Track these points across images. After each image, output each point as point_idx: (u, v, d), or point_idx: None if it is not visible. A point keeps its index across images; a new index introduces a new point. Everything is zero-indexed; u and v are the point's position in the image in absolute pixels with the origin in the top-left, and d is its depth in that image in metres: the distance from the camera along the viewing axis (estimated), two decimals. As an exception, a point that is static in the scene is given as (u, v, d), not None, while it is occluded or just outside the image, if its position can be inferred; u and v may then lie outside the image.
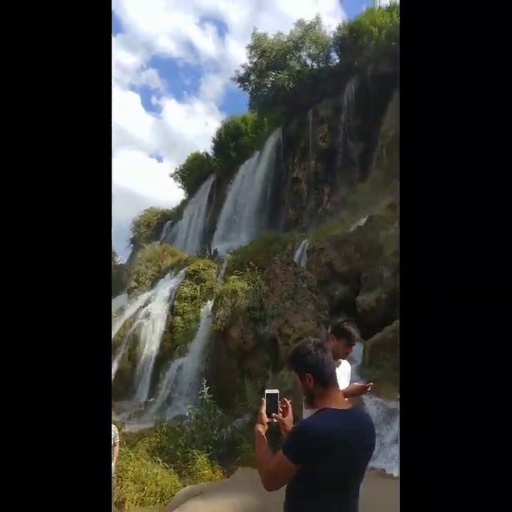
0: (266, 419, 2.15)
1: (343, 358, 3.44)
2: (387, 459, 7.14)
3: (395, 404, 8.26)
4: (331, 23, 28.71)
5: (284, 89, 24.46)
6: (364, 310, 12.70)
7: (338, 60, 25.39)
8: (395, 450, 7.39)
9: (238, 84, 27.35)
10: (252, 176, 25.26)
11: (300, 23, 26.08)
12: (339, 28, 24.85)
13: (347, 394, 3.09)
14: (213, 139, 30.69)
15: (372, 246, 13.56)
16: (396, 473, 6.29)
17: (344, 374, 3.40)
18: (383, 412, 8.22)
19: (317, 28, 25.96)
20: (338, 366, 3.36)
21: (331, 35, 25.43)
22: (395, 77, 20.66)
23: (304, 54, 26.02)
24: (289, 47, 25.79)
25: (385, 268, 12.91)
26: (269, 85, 25.80)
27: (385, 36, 22.10)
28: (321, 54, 25.55)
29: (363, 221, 15.09)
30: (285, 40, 26.22)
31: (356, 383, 3.27)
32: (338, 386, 2.05)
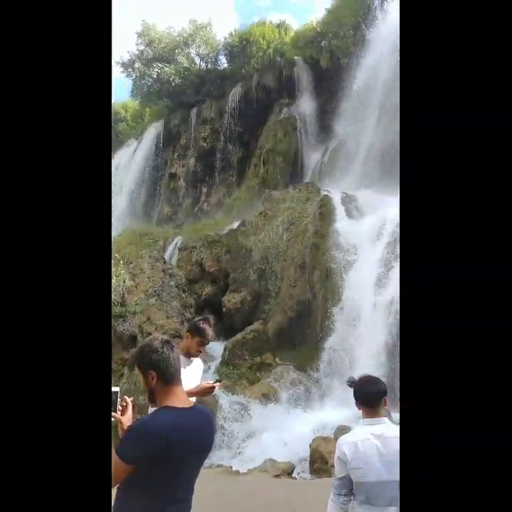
0: None
1: (196, 356, 3.41)
2: (234, 455, 7.36)
3: (247, 402, 8.60)
4: (223, 28, 29.14)
5: (169, 83, 24.01)
6: (229, 310, 13.03)
7: (226, 65, 25.80)
8: (246, 447, 7.68)
9: (121, 69, 26.10)
10: (127, 165, 24.24)
11: (192, 21, 25.93)
12: (230, 34, 25.28)
13: (194, 393, 3.04)
14: (89, 121, 28.74)
15: (241, 249, 14.00)
16: (242, 470, 6.51)
17: (195, 372, 3.37)
18: (237, 409, 8.48)
19: (209, 29, 26.05)
20: (189, 364, 3.32)
21: (222, 39, 25.79)
22: (278, 91, 21.72)
23: (193, 52, 25.89)
24: (179, 42, 25.42)
25: (251, 271, 13.43)
26: (154, 76, 25.08)
27: (272, 50, 23.13)
28: (210, 55, 25.67)
29: (236, 224, 15.51)
30: (175, 34, 25.80)
31: (205, 382, 3.26)
32: (181, 384, 2.03)
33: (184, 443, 1.85)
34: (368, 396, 2.38)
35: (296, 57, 21.61)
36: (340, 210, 12.51)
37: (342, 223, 11.98)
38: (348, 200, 13.12)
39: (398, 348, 8.64)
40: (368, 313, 9.64)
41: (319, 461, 6.50)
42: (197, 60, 25.87)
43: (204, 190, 23.01)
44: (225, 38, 25.41)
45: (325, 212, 12.41)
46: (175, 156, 24.14)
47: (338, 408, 7.97)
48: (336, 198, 13.04)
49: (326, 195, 13.11)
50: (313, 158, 19.31)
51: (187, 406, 1.98)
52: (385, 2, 17.46)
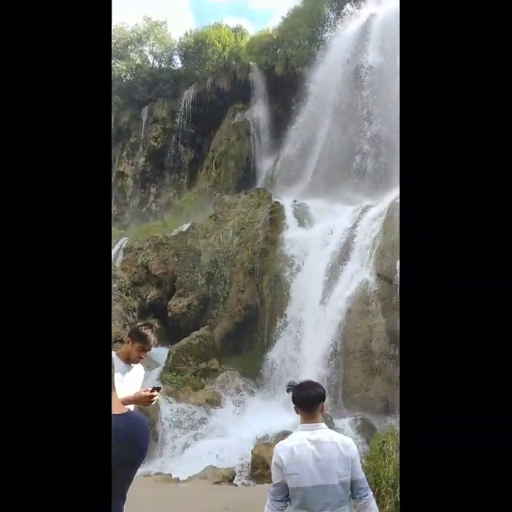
0: None
1: (136, 363, 3.27)
2: (174, 463, 7.19)
3: (190, 408, 8.44)
4: (178, 27, 28.84)
5: (120, 80, 23.37)
6: (175, 314, 12.77)
7: (180, 65, 25.48)
8: (186, 454, 7.53)
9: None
10: (73, 161, 23.31)
11: (146, 18, 25.45)
12: (186, 35, 24.99)
13: (131, 401, 2.90)
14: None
15: (190, 253, 13.80)
16: (182, 477, 6.37)
17: (135, 379, 3.22)
18: (179, 415, 8.30)
19: (164, 27, 25.67)
20: (129, 371, 3.19)
21: (177, 39, 25.46)
22: (232, 95, 21.73)
23: (146, 50, 25.38)
24: (132, 39, 24.84)
25: (200, 275, 13.26)
26: (106, 71, 24.38)
27: (228, 54, 23.11)
28: (164, 54, 25.28)
29: (185, 227, 15.27)
30: (128, 30, 25.17)
31: (142, 390, 3.12)
32: (114, 390, 1.95)
33: (115, 451, 1.76)
34: (306, 400, 2.37)
35: (251, 63, 21.71)
36: (290, 217, 12.67)
37: (292, 230, 12.13)
38: (298, 207, 13.32)
39: (342, 355, 8.88)
40: (314, 320, 9.79)
41: (261, 467, 6.47)
42: (150, 58, 25.38)
43: (153, 190, 22.53)
44: (180, 38, 25.12)
45: (275, 219, 12.52)
46: (123, 154, 23.50)
47: (282, 414, 8.00)
48: (287, 205, 13.21)
49: (277, 202, 13.25)
50: (265, 164, 19.46)
51: (119, 413, 1.88)
52: (340, 15, 17.97)
